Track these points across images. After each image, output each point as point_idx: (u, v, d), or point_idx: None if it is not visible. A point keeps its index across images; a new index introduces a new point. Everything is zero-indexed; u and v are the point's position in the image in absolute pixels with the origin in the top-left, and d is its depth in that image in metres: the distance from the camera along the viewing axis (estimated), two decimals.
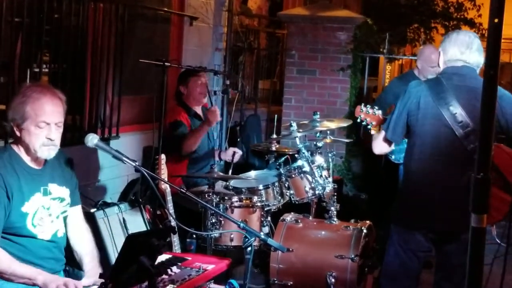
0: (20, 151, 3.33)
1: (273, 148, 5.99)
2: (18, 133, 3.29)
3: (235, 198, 4.97)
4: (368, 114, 4.55)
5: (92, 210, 4.69)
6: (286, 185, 5.30)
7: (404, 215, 4.14)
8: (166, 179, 4.38)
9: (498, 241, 3.91)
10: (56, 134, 3.31)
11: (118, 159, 3.32)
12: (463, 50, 4.01)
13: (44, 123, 3.26)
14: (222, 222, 4.80)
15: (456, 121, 3.89)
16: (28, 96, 3.26)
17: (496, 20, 1.80)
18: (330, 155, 5.40)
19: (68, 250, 3.55)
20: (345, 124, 5.89)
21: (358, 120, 4.68)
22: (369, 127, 4.63)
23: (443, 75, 4.06)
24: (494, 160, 3.65)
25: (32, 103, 3.24)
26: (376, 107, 4.61)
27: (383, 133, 4.16)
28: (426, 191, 4.00)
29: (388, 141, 4.15)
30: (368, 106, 4.59)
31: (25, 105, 3.24)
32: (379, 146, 4.22)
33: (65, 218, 3.54)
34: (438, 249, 4.14)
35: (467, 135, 3.86)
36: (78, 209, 3.65)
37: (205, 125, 5.71)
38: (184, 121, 5.80)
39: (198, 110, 6.06)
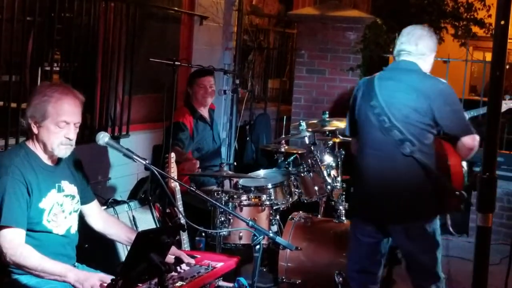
0: (35, 148, 3.38)
1: (282, 148, 6.01)
2: (35, 131, 3.33)
3: (244, 197, 4.99)
4: None
5: (102, 208, 4.72)
6: (295, 184, 5.33)
7: (354, 208, 4.35)
8: (176, 178, 4.40)
9: (452, 231, 4.06)
10: (74, 134, 3.37)
11: (128, 157, 3.34)
12: (403, 40, 4.13)
13: (64, 123, 3.31)
14: (231, 220, 4.82)
15: (380, 117, 4.01)
16: (50, 95, 3.31)
17: (502, 22, 1.82)
18: (339, 154, 5.42)
19: (78, 246, 3.59)
20: None
21: None
22: None
23: (381, 71, 4.22)
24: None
25: (54, 102, 3.29)
26: None
27: None
28: (366, 185, 4.17)
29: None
30: None
31: (47, 104, 3.29)
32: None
33: (79, 216, 3.59)
34: (392, 239, 4.26)
35: (389, 130, 3.98)
36: (95, 203, 3.74)
37: (185, 162, 5.59)
38: (186, 123, 5.80)
39: (205, 111, 6.06)
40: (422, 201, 4.00)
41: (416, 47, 4.11)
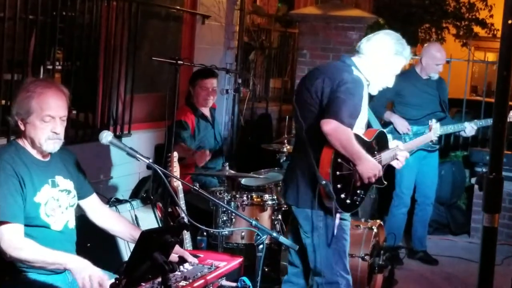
0: (25, 144, 3.36)
1: (284, 147, 6.00)
2: (22, 128, 3.32)
3: (246, 196, 4.98)
4: None
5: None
6: None
7: None
8: (178, 177, 4.40)
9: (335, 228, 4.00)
10: (61, 128, 3.35)
11: (132, 156, 3.33)
12: None
13: (49, 117, 3.29)
14: (233, 220, 4.82)
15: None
16: (33, 91, 3.29)
17: (510, 22, 1.81)
18: None
19: (78, 244, 3.58)
20: None
21: None
22: None
23: None
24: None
25: (37, 97, 3.27)
26: None
27: None
28: None
29: None
30: None
31: (30, 100, 3.27)
32: None
33: (80, 215, 3.58)
34: None
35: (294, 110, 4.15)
36: (94, 197, 3.70)
37: (193, 157, 5.60)
38: (188, 122, 5.79)
39: (206, 111, 6.05)
40: (302, 184, 4.01)
41: (360, 46, 4.14)
